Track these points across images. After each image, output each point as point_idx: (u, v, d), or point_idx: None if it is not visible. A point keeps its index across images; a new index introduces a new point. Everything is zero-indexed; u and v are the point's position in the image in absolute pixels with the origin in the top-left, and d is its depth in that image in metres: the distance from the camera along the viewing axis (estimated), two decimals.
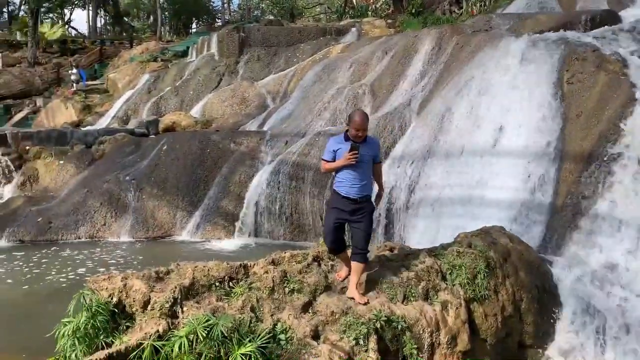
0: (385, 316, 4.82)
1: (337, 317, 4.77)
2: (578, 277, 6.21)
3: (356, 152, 4.77)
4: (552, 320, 5.92)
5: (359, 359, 4.55)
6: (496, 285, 5.60)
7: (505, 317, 5.54)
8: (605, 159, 7.57)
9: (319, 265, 5.52)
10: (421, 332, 4.90)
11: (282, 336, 4.57)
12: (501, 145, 8.98)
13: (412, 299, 5.17)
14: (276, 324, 4.67)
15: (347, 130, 4.91)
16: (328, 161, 4.99)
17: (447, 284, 5.39)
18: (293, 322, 4.73)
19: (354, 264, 5.03)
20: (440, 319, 5.03)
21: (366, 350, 4.60)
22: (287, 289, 5.06)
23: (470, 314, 5.30)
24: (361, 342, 4.63)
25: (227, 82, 19.97)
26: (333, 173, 5.08)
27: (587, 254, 6.66)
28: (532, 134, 8.74)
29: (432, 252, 5.89)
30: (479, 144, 9.26)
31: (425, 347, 4.87)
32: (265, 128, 14.68)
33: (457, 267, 5.53)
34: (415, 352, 4.81)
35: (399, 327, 4.83)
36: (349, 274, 5.15)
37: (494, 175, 8.64)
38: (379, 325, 4.76)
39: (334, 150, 4.94)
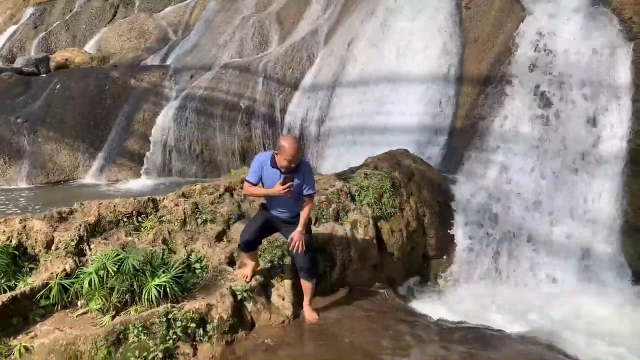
0: None
1: None
2: (474, 192, 6.70)
3: (291, 183, 4.10)
4: (452, 232, 6.39)
5: (275, 280, 4.71)
6: (401, 203, 5.92)
7: (410, 232, 5.92)
8: (499, 80, 8.01)
9: (232, 195, 5.55)
10: (333, 250, 5.12)
11: (197, 265, 4.61)
12: (405, 71, 9.21)
13: (323, 220, 5.35)
14: (190, 254, 4.69)
15: (274, 154, 4.16)
16: (253, 184, 4.25)
17: (356, 205, 5.63)
18: (207, 251, 4.77)
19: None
20: (350, 237, 5.27)
21: (282, 271, 4.76)
22: (199, 220, 5.06)
23: (378, 231, 5.60)
24: (276, 263, 4.78)
25: (122, 15, 18.55)
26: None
27: (483, 171, 7.15)
28: (434, 59, 9.02)
29: (342, 176, 6.08)
30: (383, 71, 9.45)
31: (338, 264, 5.11)
32: (168, 62, 13.96)
33: (365, 188, 5.77)
34: (328, 269, 5.04)
35: (313, 247, 5.01)
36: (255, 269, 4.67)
37: (399, 101, 8.91)
38: None
39: (259, 174, 4.23)
